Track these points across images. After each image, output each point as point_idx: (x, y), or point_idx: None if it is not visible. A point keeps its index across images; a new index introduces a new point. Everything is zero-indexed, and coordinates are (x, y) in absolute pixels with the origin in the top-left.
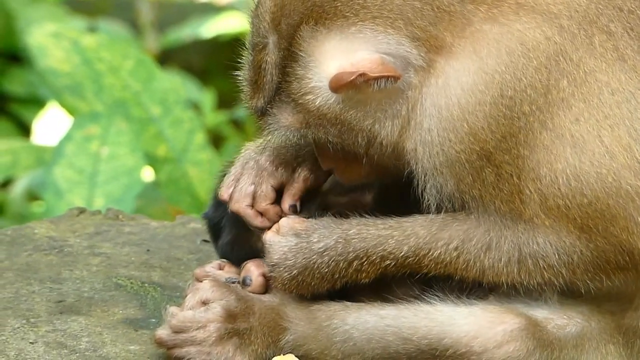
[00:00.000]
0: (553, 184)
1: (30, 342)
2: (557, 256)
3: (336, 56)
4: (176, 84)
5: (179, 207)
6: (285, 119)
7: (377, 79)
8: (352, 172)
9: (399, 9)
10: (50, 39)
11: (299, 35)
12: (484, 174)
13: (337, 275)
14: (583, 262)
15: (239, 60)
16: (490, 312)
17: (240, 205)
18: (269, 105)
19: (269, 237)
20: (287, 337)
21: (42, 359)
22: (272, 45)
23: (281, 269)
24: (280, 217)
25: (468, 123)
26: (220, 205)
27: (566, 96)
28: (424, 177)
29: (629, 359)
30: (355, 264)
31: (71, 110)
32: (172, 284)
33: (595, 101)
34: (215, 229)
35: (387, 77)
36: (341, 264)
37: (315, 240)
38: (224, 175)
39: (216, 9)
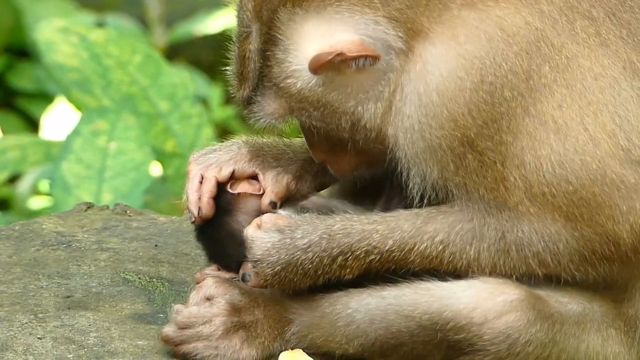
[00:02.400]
0: (537, 170)
1: (39, 338)
2: (542, 244)
3: (315, 38)
4: (184, 79)
5: None
6: (269, 106)
7: (355, 58)
8: (342, 163)
9: None
10: (58, 34)
11: (276, 19)
12: (466, 160)
13: (321, 272)
14: (568, 251)
15: (227, 55)
16: (490, 284)
17: (194, 173)
18: (253, 94)
19: (250, 232)
20: (292, 329)
21: (50, 354)
22: (254, 34)
23: (264, 264)
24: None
25: (448, 109)
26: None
27: (548, 82)
28: (407, 164)
29: (629, 347)
30: (339, 259)
31: (79, 106)
32: (180, 279)
33: (578, 87)
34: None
35: (366, 57)
36: (325, 259)
37: (299, 236)
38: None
39: (224, 4)
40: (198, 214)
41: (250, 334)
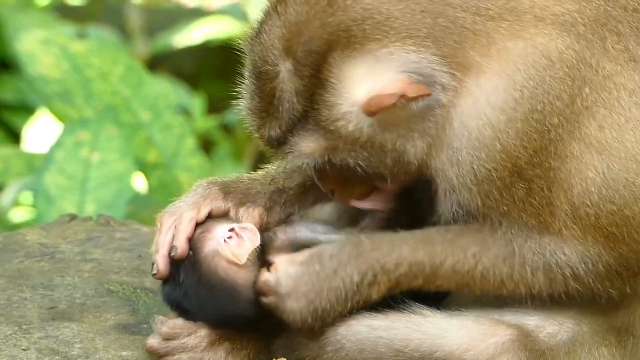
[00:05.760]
0: (584, 193)
1: (23, 349)
2: (583, 266)
3: (365, 79)
4: (166, 90)
5: None
6: (307, 147)
7: (414, 99)
8: (353, 193)
9: (428, 29)
10: (39, 46)
11: (328, 62)
12: (514, 189)
13: (351, 293)
14: (606, 270)
15: (239, 89)
16: (482, 325)
17: (168, 224)
18: (288, 134)
19: (266, 277)
20: (279, 342)
21: None
22: (287, 73)
23: (299, 295)
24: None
25: (500, 142)
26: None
27: (589, 104)
28: (450, 193)
29: (622, 359)
30: (369, 275)
31: (61, 117)
32: None
33: (615, 105)
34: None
35: (423, 97)
36: (355, 277)
37: (327, 259)
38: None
39: (205, 14)
40: (172, 253)
41: (236, 346)
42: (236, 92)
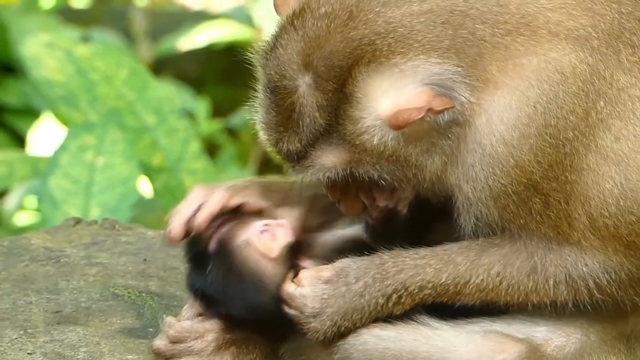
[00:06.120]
0: (602, 205)
1: (29, 353)
2: (606, 276)
3: (388, 93)
4: (170, 93)
5: None
6: (329, 160)
7: (440, 112)
8: (356, 203)
9: (450, 40)
10: (43, 50)
11: (353, 76)
12: (530, 203)
13: (374, 313)
14: (629, 279)
15: (251, 101)
16: (491, 341)
17: (196, 194)
18: (310, 148)
19: (292, 289)
20: (285, 346)
21: None
22: (306, 88)
23: (324, 317)
24: None
25: (514, 157)
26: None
27: (604, 116)
28: (467, 207)
29: None
30: (394, 297)
31: (65, 121)
32: (169, 293)
33: (631, 117)
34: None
35: (447, 109)
36: (380, 299)
37: (352, 281)
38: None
39: (210, 17)
40: (186, 223)
41: (242, 350)
42: (243, 97)
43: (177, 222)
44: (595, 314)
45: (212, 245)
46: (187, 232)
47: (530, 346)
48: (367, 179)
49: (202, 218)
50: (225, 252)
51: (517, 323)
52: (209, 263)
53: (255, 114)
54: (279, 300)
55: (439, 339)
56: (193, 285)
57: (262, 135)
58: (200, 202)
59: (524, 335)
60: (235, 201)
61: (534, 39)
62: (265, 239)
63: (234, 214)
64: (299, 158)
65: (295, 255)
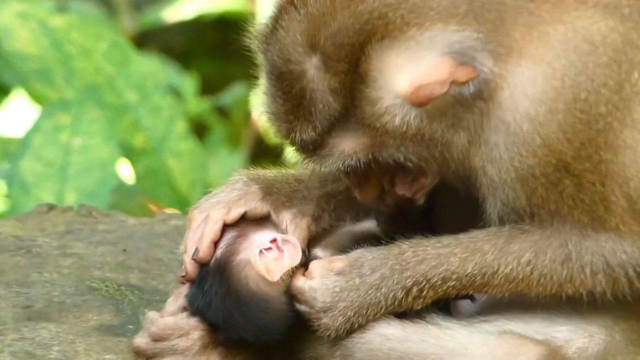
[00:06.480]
0: None
1: None
2: None
3: (405, 68)
4: (154, 68)
5: (159, 202)
6: (348, 147)
7: (465, 83)
8: (375, 190)
9: (467, 4)
10: (16, 20)
11: (366, 54)
12: (561, 186)
13: (392, 307)
14: None
15: (258, 92)
16: (506, 342)
17: (197, 220)
18: (326, 136)
19: (302, 283)
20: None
21: None
22: (315, 71)
23: (336, 312)
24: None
25: (540, 135)
26: None
27: (639, 89)
28: (493, 191)
29: None
30: (414, 290)
31: (39, 98)
32: (151, 287)
33: None
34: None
35: (472, 80)
36: (399, 293)
37: (367, 272)
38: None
39: None
40: (193, 255)
41: (230, 351)
42: (234, 73)
43: (188, 260)
44: (621, 310)
45: (212, 262)
46: None
47: (550, 348)
48: (391, 162)
49: (203, 250)
50: (224, 271)
51: (536, 322)
52: (209, 281)
53: (260, 104)
54: (289, 314)
55: (449, 340)
56: (192, 303)
57: (271, 127)
58: (202, 228)
59: (543, 336)
60: (234, 215)
61: (560, 6)
62: (267, 260)
63: (241, 221)
64: (315, 148)
65: (308, 249)
